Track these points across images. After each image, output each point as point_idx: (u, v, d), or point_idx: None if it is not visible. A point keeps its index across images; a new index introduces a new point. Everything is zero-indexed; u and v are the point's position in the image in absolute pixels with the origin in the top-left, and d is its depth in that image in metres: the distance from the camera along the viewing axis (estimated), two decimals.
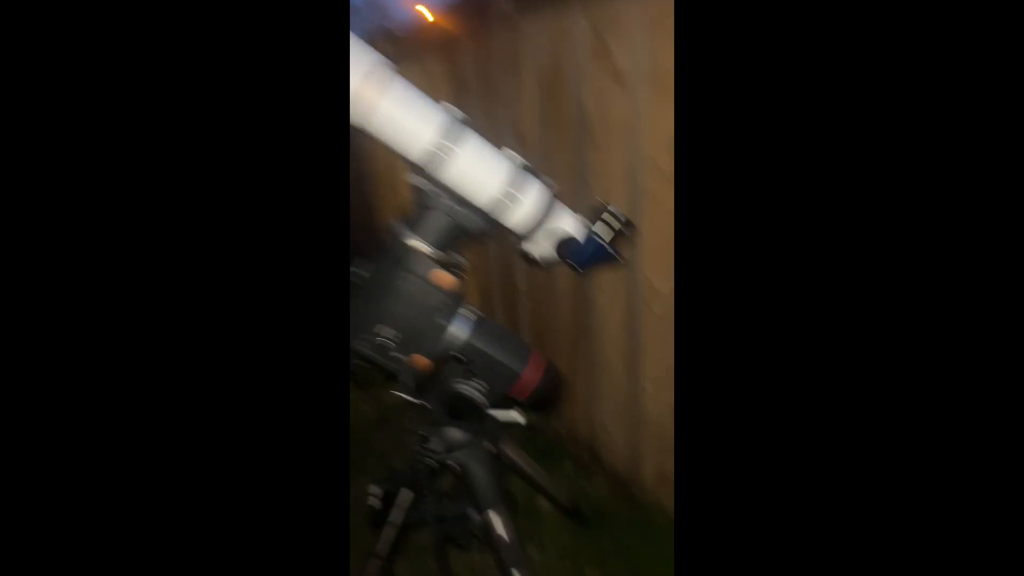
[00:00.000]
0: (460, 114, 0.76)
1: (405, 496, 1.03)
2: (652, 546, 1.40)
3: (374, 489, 0.95)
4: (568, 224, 0.84)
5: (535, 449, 1.76)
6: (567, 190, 1.41)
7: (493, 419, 0.95)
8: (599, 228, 0.85)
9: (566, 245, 0.82)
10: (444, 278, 0.79)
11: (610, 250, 0.84)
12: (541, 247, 0.85)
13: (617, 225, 0.85)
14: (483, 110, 1.65)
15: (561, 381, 0.93)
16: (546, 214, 0.81)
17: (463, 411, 0.86)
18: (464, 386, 0.85)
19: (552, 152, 1.42)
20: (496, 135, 0.79)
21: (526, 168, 0.82)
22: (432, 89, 0.75)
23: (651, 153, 1.15)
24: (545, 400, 0.91)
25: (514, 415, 0.96)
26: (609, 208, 0.86)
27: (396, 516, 1.03)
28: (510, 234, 0.84)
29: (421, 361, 0.82)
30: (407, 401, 0.87)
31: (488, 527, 0.90)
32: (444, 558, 0.95)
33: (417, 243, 0.79)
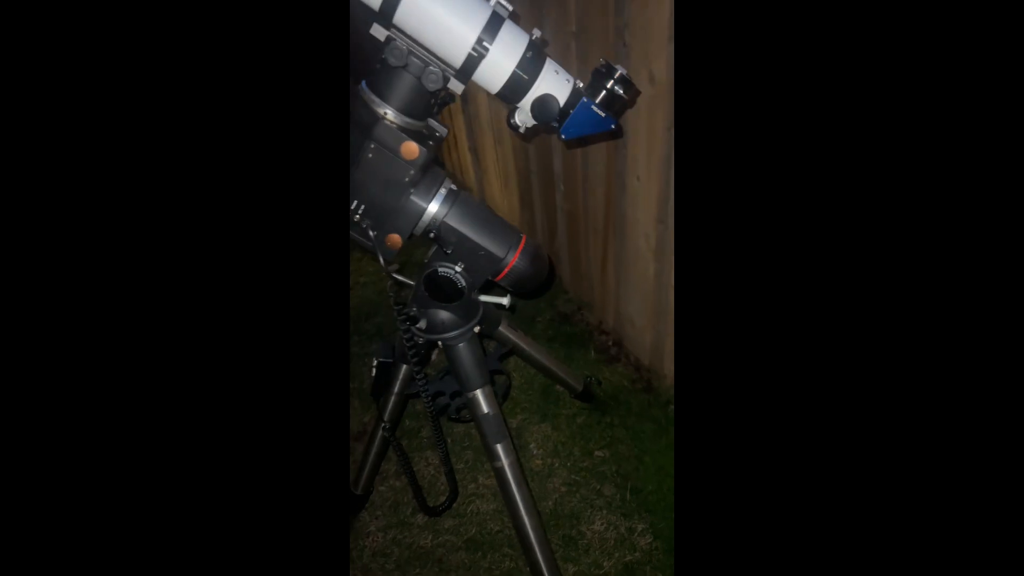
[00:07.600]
0: None
1: (402, 370, 1.07)
2: (662, 434, 1.40)
3: (375, 361, 0.99)
4: (554, 85, 0.72)
5: (564, 335, 1.76)
6: (600, 51, 1.22)
7: (480, 303, 0.93)
8: (592, 91, 0.72)
9: (544, 105, 0.70)
10: (412, 150, 0.72)
11: (601, 116, 0.72)
12: (526, 113, 0.74)
13: (618, 89, 0.72)
14: None
15: (547, 268, 0.87)
16: (528, 72, 0.69)
17: (445, 293, 0.84)
18: (445, 268, 0.82)
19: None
20: None
21: (510, 15, 0.69)
22: None
23: None
24: (530, 286, 0.86)
25: (501, 299, 0.93)
26: (606, 66, 0.72)
27: (395, 387, 1.08)
28: (495, 98, 0.73)
29: (395, 240, 0.78)
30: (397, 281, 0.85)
31: (474, 405, 0.91)
32: (438, 428, 1.00)
33: (386, 110, 0.72)
